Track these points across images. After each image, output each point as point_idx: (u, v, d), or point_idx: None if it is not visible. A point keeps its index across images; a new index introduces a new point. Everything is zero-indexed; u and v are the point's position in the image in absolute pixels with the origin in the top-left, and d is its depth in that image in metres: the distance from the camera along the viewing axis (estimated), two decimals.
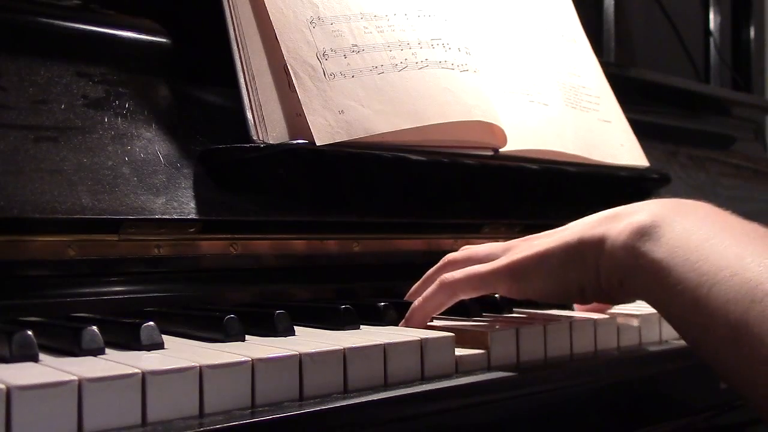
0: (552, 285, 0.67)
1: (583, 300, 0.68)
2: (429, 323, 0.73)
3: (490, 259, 0.72)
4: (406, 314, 0.73)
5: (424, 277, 0.78)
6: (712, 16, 1.94)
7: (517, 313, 0.83)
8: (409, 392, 0.59)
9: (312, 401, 0.55)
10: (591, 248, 0.63)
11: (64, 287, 0.74)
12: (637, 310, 0.83)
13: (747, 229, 0.58)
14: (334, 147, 0.80)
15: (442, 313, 0.79)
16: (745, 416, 0.93)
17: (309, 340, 0.62)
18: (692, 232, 0.57)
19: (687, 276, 0.55)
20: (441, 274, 0.73)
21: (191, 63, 0.85)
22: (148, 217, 0.74)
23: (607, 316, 0.79)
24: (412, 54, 0.88)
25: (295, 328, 0.66)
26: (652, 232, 0.59)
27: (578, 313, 0.82)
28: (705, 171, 1.48)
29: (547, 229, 0.97)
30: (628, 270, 0.60)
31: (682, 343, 0.85)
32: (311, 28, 0.84)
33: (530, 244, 0.70)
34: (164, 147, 0.78)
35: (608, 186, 1.13)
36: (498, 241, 0.99)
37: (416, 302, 0.73)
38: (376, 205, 0.91)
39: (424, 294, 0.72)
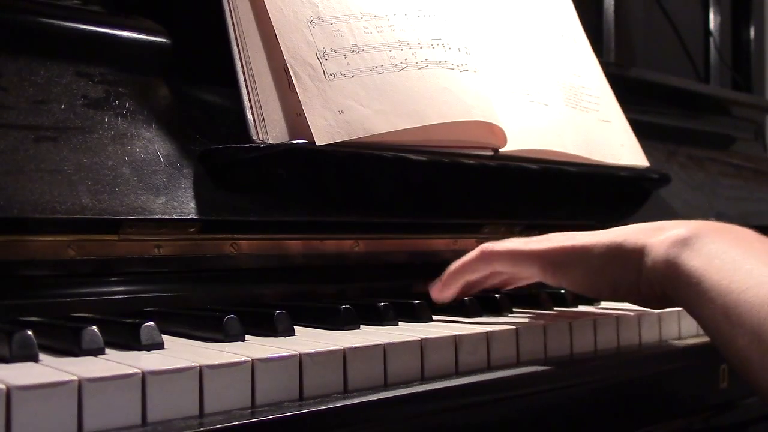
0: (587, 278, 0.72)
1: (614, 298, 0.73)
2: (429, 323, 0.74)
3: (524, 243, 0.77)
4: (443, 276, 0.79)
5: (456, 265, 0.80)
6: (712, 16, 1.94)
7: (518, 314, 0.83)
8: (409, 392, 0.59)
9: (312, 401, 0.55)
10: (633, 253, 0.69)
11: (64, 287, 0.74)
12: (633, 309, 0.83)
13: None
14: (334, 147, 0.80)
15: (442, 312, 0.80)
16: (745, 416, 0.93)
17: (309, 340, 0.62)
18: (727, 247, 0.64)
19: (719, 284, 0.61)
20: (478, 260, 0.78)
21: (191, 63, 0.85)
22: (148, 217, 0.74)
23: (606, 316, 0.79)
24: (412, 54, 0.88)
25: (295, 328, 0.66)
26: (691, 243, 0.65)
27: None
28: (705, 171, 1.48)
29: (547, 230, 0.97)
30: (668, 279, 0.66)
31: (682, 343, 0.85)
32: (311, 28, 0.84)
33: (571, 236, 0.75)
34: (164, 147, 0.78)
35: (608, 186, 1.13)
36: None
37: (454, 265, 0.78)
38: (376, 205, 0.91)
39: (463, 258, 0.78)
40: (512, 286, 0.87)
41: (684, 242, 0.65)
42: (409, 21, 0.90)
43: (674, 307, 0.73)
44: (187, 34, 0.86)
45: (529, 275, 0.78)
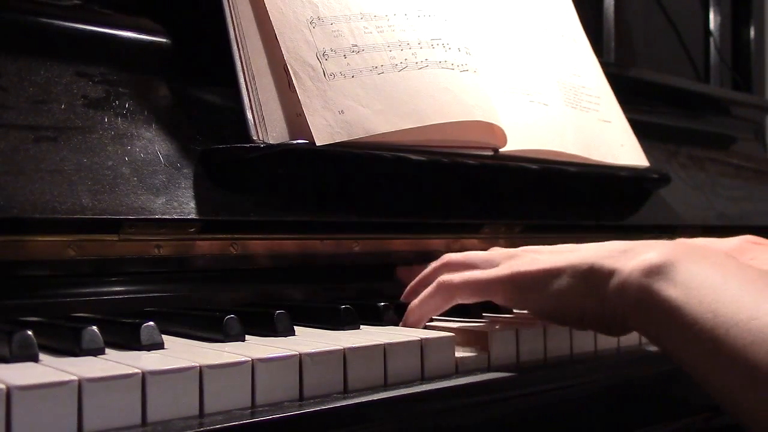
0: (552, 305, 0.67)
1: (581, 326, 0.68)
2: (429, 323, 0.73)
3: (489, 265, 0.71)
4: (405, 314, 0.73)
5: (420, 275, 0.77)
6: (712, 16, 1.94)
7: (518, 314, 0.82)
8: (409, 392, 0.59)
9: (312, 401, 0.55)
10: (600, 278, 0.63)
11: (64, 287, 0.74)
12: None
13: (755, 276, 0.58)
14: (334, 147, 0.80)
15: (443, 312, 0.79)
16: None
17: (309, 340, 0.62)
18: (706, 274, 0.58)
19: (703, 317, 0.55)
20: (438, 275, 0.73)
21: (191, 63, 0.85)
22: (148, 217, 0.74)
23: None
24: (412, 54, 0.88)
25: (295, 328, 0.66)
26: (665, 271, 0.59)
27: None
28: (705, 171, 1.48)
29: (547, 230, 0.97)
30: (637, 307, 0.60)
31: None
32: (311, 28, 0.84)
33: (534, 258, 0.69)
34: (164, 147, 0.78)
35: (608, 186, 1.13)
36: (498, 242, 1.00)
37: (414, 303, 0.72)
38: (376, 205, 0.91)
39: (422, 295, 0.72)
40: None
41: (657, 270, 0.59)
42: (409, 21, 0.90)
43: (640, 336, 0.69)
44: (187, 34, 0.86)
45: (495, 301, 0.72)
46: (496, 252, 0.74)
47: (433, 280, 0.72)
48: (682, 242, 0.64)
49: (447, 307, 0.72)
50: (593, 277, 0.63)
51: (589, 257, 0.65)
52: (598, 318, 0.64)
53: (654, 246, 0.62)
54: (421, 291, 0.73)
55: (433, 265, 0.76)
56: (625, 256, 0.62)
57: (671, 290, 0.58)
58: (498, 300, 0.71)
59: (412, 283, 0.78)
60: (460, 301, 0.72)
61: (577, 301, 0.65)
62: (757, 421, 0.54)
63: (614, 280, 0.62)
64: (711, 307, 0.55)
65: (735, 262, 0.61)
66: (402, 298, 0.77)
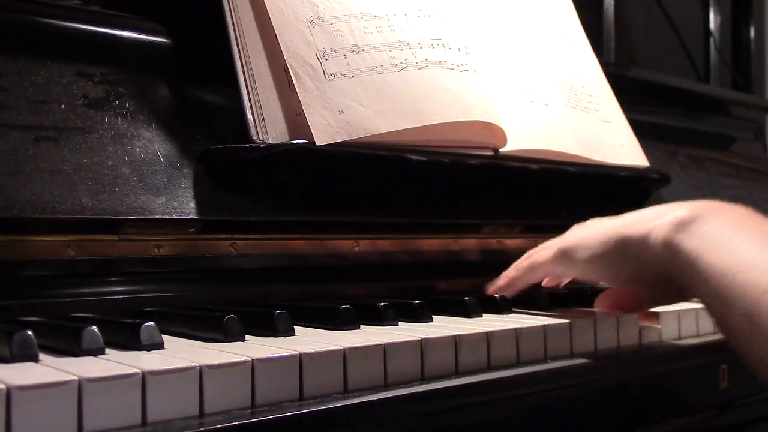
0: (594, 266, 0.78)
1: (621, 282, 0.79)
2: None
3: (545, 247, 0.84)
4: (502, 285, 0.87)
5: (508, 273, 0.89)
6: (712, 16, 1.94)
7: (518, 314, 0.83)
8: (409, 392, 0.59)
9: (312, 401, 0.55)
10: (633, 239, 0.73)
11: (64, 287, 0.74)
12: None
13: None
14: (334, 147, 0.80)
15: (443, 312, 0.80)
16: (745, 416, 0.93)
17: (309, 340, 0.62)
18: (723, 228, 0.66)
19: (713, 265, 0.64)
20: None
21: (191, 63, 0.85)
22: (148, 217, 0.74)
23: (599, 318, 0.79)
24: (412, 54, 0.88)
25: (295, 328, 0.66)
26: (688, 225, 0.68)
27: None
28: (705, 171, 1.48)
29: (547, 230, 0.97)
30: (666, 258, 0.69)
31: (682, 343, 0.85)
32: (311, 28, 0.84)
33: (576, 232, 0.81)
34: (164, 147, 0.78)
35: (608, 186, 1.13)
36: (499, 240, 1.01)
37: (503, 281, 0.87)
38: (376, 205, 0.91)
39: (498, 285, 0.87)
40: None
41: (682, 224, 0.68)
42: (409, 21, 0.90)
43: (674, 289, 0.75)
44: (187, 34, 0.86)
45: (562, 276, 0.88)
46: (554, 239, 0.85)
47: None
48: (708, 202, 0.72)
49: (523, 287, 0.86)
50: (628, 239, 0.73)
51: (624, 223, 0.76)
52: (639, 274, 0.74)
53: (683, 206, 0.71)
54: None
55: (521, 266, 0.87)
56: (658, 216, 0.72)
57: (692, 242, 0.67)
58: (557, 272, 0.84)
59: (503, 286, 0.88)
60: (531, 284, 0.86)
61: (618, 261, 0.75)
62: (755, 359, 0.61)
63: (648, 238, 0.71)
64: (721, 257, 0.64)
65: (753, 218, 0.68)
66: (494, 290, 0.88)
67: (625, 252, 0.74)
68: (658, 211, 0.73)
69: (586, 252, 0.78)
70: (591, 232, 0.79)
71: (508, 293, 0.85)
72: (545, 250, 0.83)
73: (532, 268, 0.84)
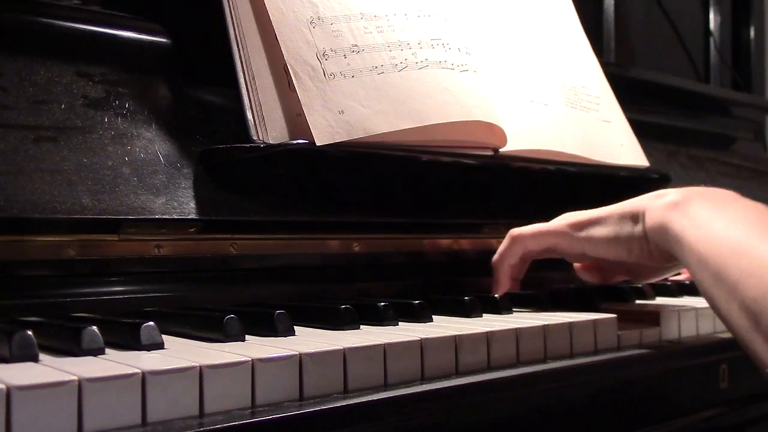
0: (607, 242, 0.85)
1: (631, 259, 0.84)
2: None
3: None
4: (493, 275, 0.92)
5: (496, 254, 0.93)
6: (712, 16, 1.94)
7: (518, 313, 0.83)
8: (409, 392, 0.59)
9: (312, 401, 0.55)
10: (639, 218, 0.82)
11: (64, 287, 0.74)
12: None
13: (749, 211, 0.75)
14: (334, 147, 0.80)
15: (442, 312, 0.80)
16: (745, 416, 0.93)
17: (309, 340, 0.62)
18: (708, 212, 0.75)
19: (700, 241, 0.73)
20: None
21: (191, 63, 0.85)
22: (148, 217, 0.74)
23: (599, 318, 0.79)
24: (412, 54, 0.88)
25: (295, 328, 0.66)
26: (679, 206, 0.77)
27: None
28: (705, 171, 1.48)
29: None
30: (661, 236, 0.79)
31: (682, 343, 0.85)
32: (311, 28, 0.84)
33: (586, 211, 0.88)
34: (164, 147, 0.78)
35: (608, 186, 1.13)
36: (499, 240, 1.01)
37: (494, 258, 0.92)
38: (376, 205, 0.91)
39: (499, 250, 0.92)
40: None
41: (674, 205, 0.78)
42: (409, 21, 0.90)
43: (668, 259, 0.82)
44: (187, 34, 0.86)
45: (560, 248, 0.89)
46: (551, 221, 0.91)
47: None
48: (698, 188, 0.81)
49: (520, 253, 0.91)
50: (633, 216, 0.82)
51: (628, 203, 0.84)
52: (645, 250, 0.82)
53: (678, 190, 0.80)
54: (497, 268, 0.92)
55: (504, 242, 0.92)
56: (653, 199, 0.81)
57: (682, 220, 0.76)
58: (562, 245, 0.88)
59: (493, 264, 0.93)
60: (531, 249, 0.90)
61: (624, 238, 0.83)
62: (723, 315, 0.70)
63: (647, 218, 0.80)
64: (702, 231, 0.74)
65: (739, 203, 0.77)
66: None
67: (633, 228, 0.82)
68: (656, 193, 0.82)
69: (602, 228, 0.85)
70: (601, 211, 0.86)
71: (511, 260, 0.90)
72: (553, 223, 0.89)
73: (541, 233, 0.89)
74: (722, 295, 0.69)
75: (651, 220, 0.80)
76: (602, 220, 0.86)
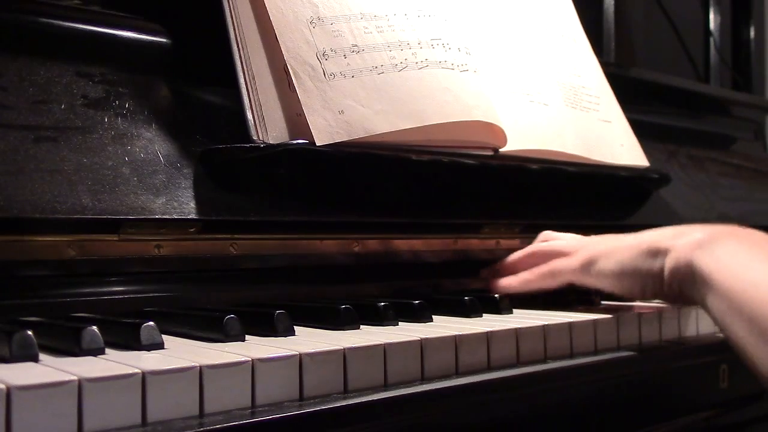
0: (619, 280, 0.81)
1: (643, 297, 0.82)
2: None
3: (569, 255, 0.87)
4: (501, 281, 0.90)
5: (509, 259, 0.93)
6: (712, 16, 1.94)
7: (518, 313, 0.83)
8: (409, 392, 0.59)
9: (312, 401, 0.55)
10: (659, 255, 0.77)
11: (64, 287, 0.74)
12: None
13: None
14: (334, 147, 0.80)
15: (442, 312, 0.80)
16: (745, 416, 0.94)
17: (309, 340, 0.62)
18: (736, 250, 0.72)
19: (724, 283, 0.70)
20: (524, 263, 0.90)
21: (191, 63, 0.85)
22: (148, 217, 0.74)
23: (599, 318, 0.79)
24: (412, 54, 0.88)
25: (295, 328, 0.66)
26: (705, 246, 0.73)
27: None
28: (705, 171, 1.48)
29: (548, 229, 0.97)
30: (685, 277, 0.74)
31: (682, 343, 0.85)
32: (311, 28, 0.84)
33: (601, 242, 0.85)
34: (164, 147, 0.78)
35: (608, 186, 1.13)
36: (499, 240, 1.01)
37: (513, 284, 0.89)
38: (376, 205, 0.91)
39: (513, 282, 0.89)
40: None
41: (699, 245, 0.73)
42: (409, 21, 0.90)
43: (692, 304, 0.80)
44: (187, 34, 0.86)
45: (577, 284, 0.86)
46: (571, 242, 0.90)
47: (524, 266, 0.89)
48: (724, 226, 0.77)
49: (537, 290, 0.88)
50: (654, 254, 0.78)
51: (648, 239, 0.80)
52: (659, 289, 0.78)
53: (702, 228, 0.76)
54: (508, 271, 0.91)
55: (521, 253, 0.92)
56: (676, 237, 0.77)
57: (708, 261, 0.72)
58: (575, 280, 0.85)
59: (496, 265, 0.93)
60: (547, 288, 0.88)
61: (640, 275, 0.79)
62: (758, 361, 0.65)
63: (670, 256, 0.76)
64: (735, 275, 0.69)
65: (764, 241, 0.73)
66: (487, 274, 0.93)
67: (651, 267, 0.78)
68: (678, 231, 0.78)
69: (614, 263, 0.81)
70: (618, 244, 0.82)
71: (516, 292, 0.88)
72: (568, 259, 0.85)
73: (553, 274, 0.86)
74: (760, 344, 0.65)
75: (675, 260, 0.75)
76: (617, 252, 0.82)
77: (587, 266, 0.84)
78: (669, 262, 0.76)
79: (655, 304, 0.96)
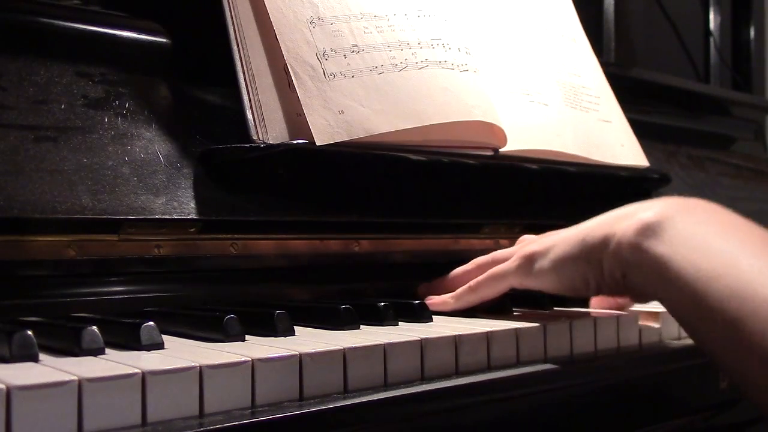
0: (558, 277, 0.72)
1: (589, 293, 0.72)
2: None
3: (507, 257, 0.78)
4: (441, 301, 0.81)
5: (451, 274, 0.84)
6: (712, 16, 1.94)
7: (518, 313, 0.83)
8: (409, 392, 0.59)
9: (312, 401, 0.55)
10: (596, 244, 0.67)
11: (64, 287, 0.74)
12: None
13: (745, 230, 0.61)
14: (334, 147, 0.80)
15: (443, 312, 0.80)
16: (745, 416, 0.93)
17: (309, 340, 0.62)
18: (694, 230, 0.61)
19: (686, 271, 0.58)
20: (468, 276, 0.81)
21: (191, 63, 0.85)
22: (148, 217, 0.74)
23: (599, 318, 0.79)
24: (412, 54, 0.88)
25: (295, 328, 0.66)
26: (656, 229, 0.62)
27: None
28: (705, 171, 1.48)
29: (548, 229, 0.97)
30: (632, 264, 0.64)
31: (682, 343, 0.85)
32: (311, 28, 0.84)
33: (540, 240, 0.75)
34: (164, 147, 0.78)
35: (608, 186, 1.13)
36: (499, 240, 1.00)
37: (448, 302, 0.80)
38: (376, 205, 0.91)
39: (456, 294, 0.80)
40: None
41: (649, 228, 0.62)
42: (409, 21, 0.90)
43: (642, 300, 0.74)
44: (187, 34, 0.86)
45: (519, 287, 0.77)
46: (514, 247, 0.80)
47: (462, 281, 0.81)
48: (673, 200, 0.66)
49: (478, 302, 0.79)
50: (590, 244, 0.68)
51: (585, 228, 0.70)
52: (601, 282, 0.68)
53: (650, 206, 0.65)
54: (447, 288, 0.82)
55: (465, 267, 0.83)
56: (620, 220, 0.66)
57: (659, 247, 0.61)
58: (515, 284, 0.76)
59: (439, 279, 0.85)
60: (489, 297, 0.79)
61: (579, 270, 0.69)
62: (737, 372, 0.56)
63: (610, 244, 0.66)
64: (694, 262, 0.58)
65: (725, 216, 0.63)
66: (424, 291, 0.85)
67: (589, 258, 0.68)
68: (625, 212, 0.67)
69: (549, 260, 0.72)
70: (555, 239, 0.72)
71: (452, 309, 0.80)
72: (507, 262, 0.77)
73: (491, 281, 0.77)
74: (740, 348, 0.54)
75: (616, 245, 0.65)
76: (555, 247, 0.71)
77: (526, 267, 0.74)
78: (610, 250, 0.65)
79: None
